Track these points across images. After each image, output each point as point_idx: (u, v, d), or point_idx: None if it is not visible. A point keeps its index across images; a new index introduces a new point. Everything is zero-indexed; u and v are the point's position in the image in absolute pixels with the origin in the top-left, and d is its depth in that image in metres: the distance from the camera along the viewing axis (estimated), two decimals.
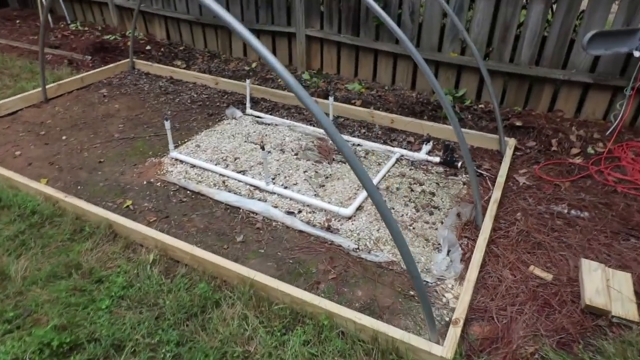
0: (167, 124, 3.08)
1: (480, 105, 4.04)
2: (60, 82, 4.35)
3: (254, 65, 4.99)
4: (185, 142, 3.51)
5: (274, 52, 5.01)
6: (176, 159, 3.23)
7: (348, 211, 2.68)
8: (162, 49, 5.40)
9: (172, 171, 3.11)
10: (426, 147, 3.39)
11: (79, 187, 2.97)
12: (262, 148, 2.68)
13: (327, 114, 3.66)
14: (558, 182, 3.02)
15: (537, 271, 2.26)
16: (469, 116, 3.92)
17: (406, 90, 4.37)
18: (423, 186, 3.01)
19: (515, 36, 3.73)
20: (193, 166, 3.16)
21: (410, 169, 3.20)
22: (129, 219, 2.53)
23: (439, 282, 2.25)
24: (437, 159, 3.26)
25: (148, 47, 5.42)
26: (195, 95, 4.35)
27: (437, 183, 3.05)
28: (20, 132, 3.63)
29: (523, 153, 3.39)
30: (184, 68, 4.99)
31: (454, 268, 2.30)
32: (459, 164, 3.19)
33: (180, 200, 2.85)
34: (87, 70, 4.81)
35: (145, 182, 3.02)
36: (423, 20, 4.05)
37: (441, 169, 3.21)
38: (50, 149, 3.42)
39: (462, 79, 4.12)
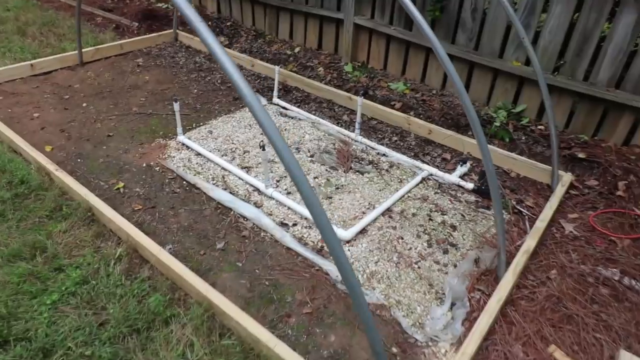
0: (176, 106, 2.86)
1: (539, 127, 3.46)
2: (99, 46, 4.29)
3: (297, 50, 4.67)
4: (199, 126, 3.29)
5: (320, 38, 4.66)
6: (183, 144, 3.02)
7: (347, 234, 2.32)
8: (210, 23, 5.22)
9: (174, 157, 2.90)
10: (461, 169, 2.92)
11: (78, 160, 2.85)
12: (263, 148, 2.38)
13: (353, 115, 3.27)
14: (615, 238, 2.46)
15: (558, 354, 1.80)
16: (523, 138, 3.37)
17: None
18: (445, 216, 2.58)
19: (594, 50, 3.10)
20: (198, 154, 2.94)
21: (435, 193, 2.76)
22: (108, 205, 2.35)
23: (430, 344, 1.85)
24: (471, 186, 2.78)
25: None
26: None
27: (462, 215, 2.59)
28: (46, 94, 3.60)
29: (579, 193, 2.82)
30: (226, 45, 4.78)
31: (453, 330, 1.89)
32: None
33: (172, 191, 2.64)
34: (130, 37, 4.74)
35: (144, 165, 2.84)
36: (485, 20, 3.50)
37: (473, 198, 2.74)
38: (68, 115, 3.35)
39: (524, 93, 3.54)
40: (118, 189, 2.62)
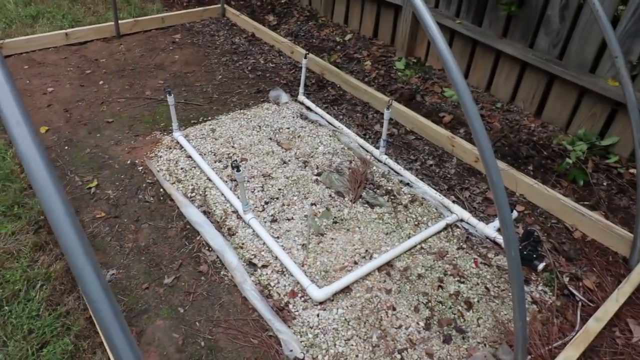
0: (170, 99, 2.49)
1: (631, 170, 2.60)
2: (139, 18, 4.07)
3: (347, 37, 4.08)
4: (206, 121, 2.91)
5: (376, 25, 4.02)
6: (177, 142, 2.67)
7: (320, 294, 1.82)
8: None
9: (161, 156, 2.56)
10: None
11: (66, 148, 2.63)
12: (237, 169, 1.92)
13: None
14: None
15: None
16: (605, 183, 2.55)
17: (525, 117, 3.07)
18: (462, 285, 1.95)
19: None
20: (189, 156, 2.57)
21: (459, 248, 2.13)
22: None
23: None
24: None
25: None
26: (262, 62, 3.69)
27: (486, 287, 1.95)
28: (70, 67, 3.45)
29: None
30: (274, 25, 4.33)
31: None
32: (541, 266, 2.01)
33: (144, 200, 2.30)
34: (178, 9, 4.48)
35: (129, 162, 2.54)
36: (578, 21, 2.66)
37: None
38: (81, 92, 3.16)
39: (617, 122, 2.68)
40: (90, 188, 2.35)
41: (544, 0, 2.76)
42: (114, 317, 0.77)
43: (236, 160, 1.99)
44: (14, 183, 2.28)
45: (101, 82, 3.28)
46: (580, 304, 1.92)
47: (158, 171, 2.45)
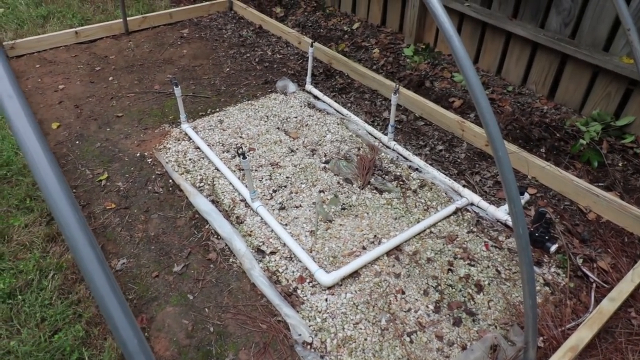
0: (177, 91, 2.51)
1: None
2: (147, 15, 4.10)
3: (355, 26, 4.05)
4: (214, 113, 2.92)
5: (384, 12, 3.98)
6: (185, 134, 2.69)
7: (327, 279, 1.81)
8: None
9: (170, 148, 2.58)
10: None
11: (77, 142, 2.67)
12: (242, 156, 1.92)
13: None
14: None
15: None
16: (620, 164, 2.48)
17: (538, 99, 3.00)
18: (472, 268, 1.93)
19: None
20: (197, 147, 2.58)
21: (470, 231, 2.10)
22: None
23: None
24: None
25: None
26: (269, 54, 3.69)
27: (497, 270, 1.92)
28: (80, 64, 3.50)
29: None
30: (281, 17, 4.32)
31: None
32: (553, 248, 1.97)
33: (154, 191, 2.33)
34: (186, 5, 4.50)
35: (138, 154, 2.57)
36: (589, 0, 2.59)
37: None
38: (91, 89, 3.20)
39: (633, 102, 2.60)
40: (100, 180, 2.38)
41: None
42: (111, 291, 0.78)
43: (241, 148, 1.98)
44: (26, 177, 2.33)
45: (111, 78, 3.32)
46: (594, 285, 1.88)
47: (167, 162, 2.47)
